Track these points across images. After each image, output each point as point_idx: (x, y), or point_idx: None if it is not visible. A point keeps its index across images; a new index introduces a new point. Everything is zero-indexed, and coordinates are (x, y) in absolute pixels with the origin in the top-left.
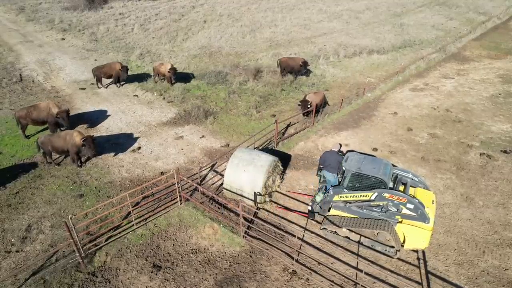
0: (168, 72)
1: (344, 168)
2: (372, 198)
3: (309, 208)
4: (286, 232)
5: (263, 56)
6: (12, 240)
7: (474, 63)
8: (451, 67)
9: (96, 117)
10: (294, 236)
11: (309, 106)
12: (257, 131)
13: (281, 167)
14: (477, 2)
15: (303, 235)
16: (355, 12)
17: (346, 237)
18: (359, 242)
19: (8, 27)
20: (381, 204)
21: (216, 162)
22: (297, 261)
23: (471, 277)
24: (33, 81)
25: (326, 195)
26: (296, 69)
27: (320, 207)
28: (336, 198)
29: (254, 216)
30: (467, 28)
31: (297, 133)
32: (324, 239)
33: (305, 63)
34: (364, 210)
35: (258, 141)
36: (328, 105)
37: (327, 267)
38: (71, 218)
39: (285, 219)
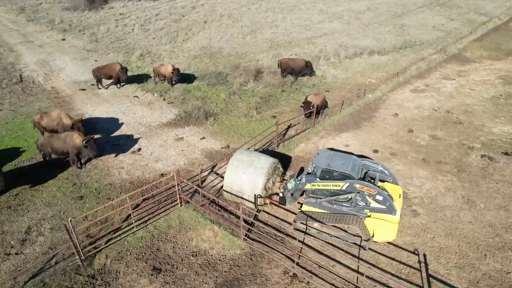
0: (172, 72)
1: (314, 165)
2: (343, 188)
3: (280, 195)
4: (287, 234)
5: (263, 57)
6: (12, 242)
7: (475, 64)
8: (452, 68)
9: (96, 119)
10: (295, 238)
11: (312, 107)
12: (257, 132)
13: (281, 168)
14: (477, 2)
15: (304, 238)
16: (355, 13)
17: (318, 231)
18: (359, 245)
19: (8, 27)
20: (351, 196)
21: (216, 164)
22: (297, 264)
23: (473, 281)
24: (33, 81)
25: (298, 183)
26: (297, 70)
27: (292, 194)
28: (308, 186)
29: (254, 219)
30: (468, 29)
31: (298, 134)
32: (325, 242)
33: (309, 64)
34: (335, 206)
35: (259, 143)
36: (328, 107)
37: (327, 270)
38: (70, 221)
39: (285, 221)
